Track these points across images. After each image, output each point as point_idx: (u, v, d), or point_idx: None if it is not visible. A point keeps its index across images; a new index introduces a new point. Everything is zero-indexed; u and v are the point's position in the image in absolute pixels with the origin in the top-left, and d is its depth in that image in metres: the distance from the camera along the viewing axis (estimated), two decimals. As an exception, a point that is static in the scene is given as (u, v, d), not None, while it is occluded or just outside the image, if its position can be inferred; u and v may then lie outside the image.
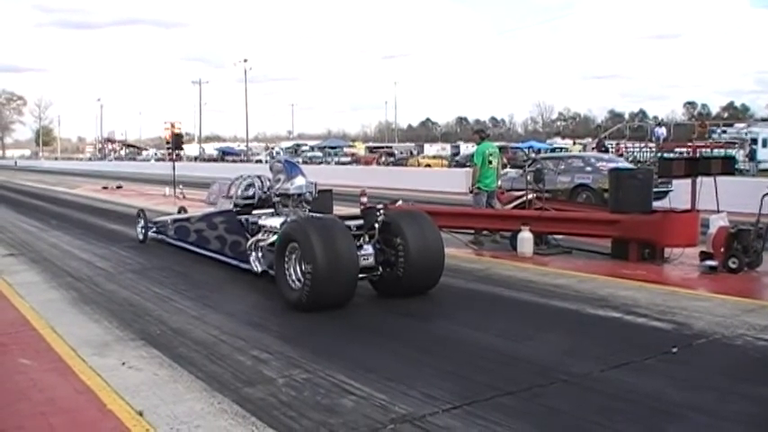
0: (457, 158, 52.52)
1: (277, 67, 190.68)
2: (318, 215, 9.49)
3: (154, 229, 14.28)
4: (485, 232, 13.64)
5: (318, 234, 7.80)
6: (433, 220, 9.08)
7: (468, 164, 26.45)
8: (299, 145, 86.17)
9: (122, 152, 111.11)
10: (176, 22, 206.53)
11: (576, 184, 18.78)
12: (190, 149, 73.40)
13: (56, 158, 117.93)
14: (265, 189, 11.21)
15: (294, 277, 8.13)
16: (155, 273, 10.81)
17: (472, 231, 13.47)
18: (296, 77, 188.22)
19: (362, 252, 8.45)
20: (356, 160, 61.23)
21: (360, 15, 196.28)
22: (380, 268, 8.62)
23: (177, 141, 27.90)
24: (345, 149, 77.02)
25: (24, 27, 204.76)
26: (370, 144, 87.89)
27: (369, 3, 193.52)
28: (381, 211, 8.82)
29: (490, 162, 13.78)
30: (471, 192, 13.98)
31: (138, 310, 8.29)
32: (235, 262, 10.56)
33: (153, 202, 24.45)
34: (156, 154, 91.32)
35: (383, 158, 59.75)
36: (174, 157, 29.78)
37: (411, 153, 68.22)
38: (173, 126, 27.57)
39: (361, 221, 8.89)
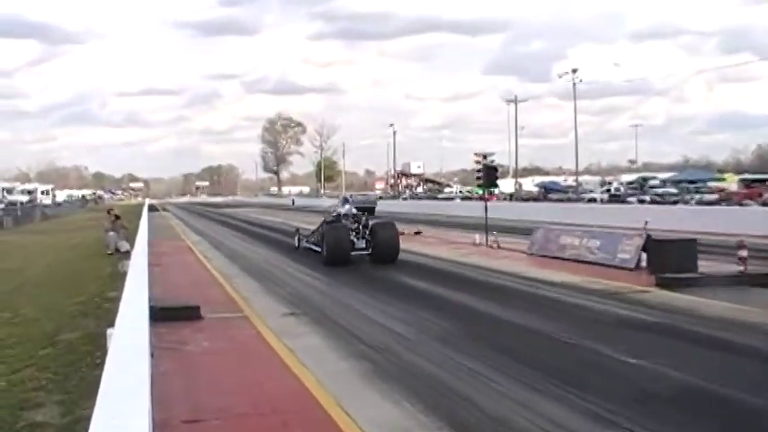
0: None
1: (614, 77, 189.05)
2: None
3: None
4: None
5: None
6: None
7: None
8: (645, 178, 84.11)
9: (419, 189, 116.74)
10: (483, 25, 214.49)
11: None
12: (504, 185, 75.04)
13: (338, 196, 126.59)
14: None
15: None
16: (467, 342, 11.03)
17: None
18: (639, 90, 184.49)
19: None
20: (725, 197, 58.24)
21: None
22: None
23: (490, 176, 28.58)
24: (710, 183, 73.62)
25: (302, 41, 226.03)
26: (746, 176, 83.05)
27: None
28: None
29: None
30: None
31: (445, 390, 8.50)
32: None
33: (461, 252, 25.35)
34: (461, 191, 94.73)
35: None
36: (487, 195, 30.45)
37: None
38: (484, 157, 28.31)
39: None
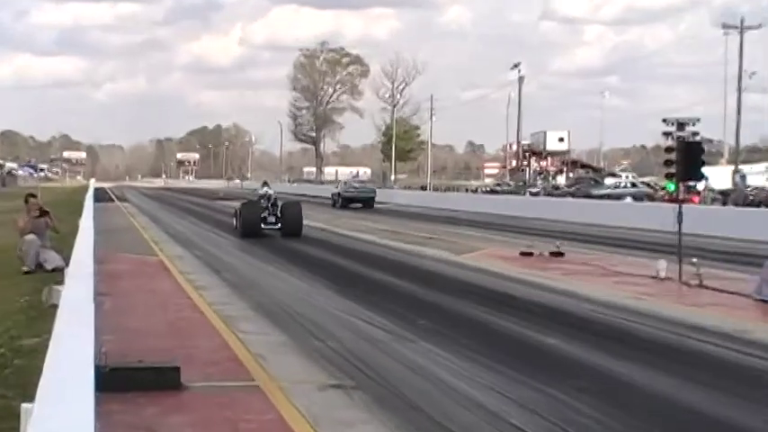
0: None
1: None
2: None
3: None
4: None
5: None
6: None
7: None
8: None
9: (560, 177, 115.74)
10: None
11: None
12: (715, 176, 73.31)
13: (422, 187, 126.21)
14: None
15: None
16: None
17: None
18: None
19: None
20: None
21: None
22: None
23: (691, 160, 27.98)
24: None
25: None
26: None
27: None
28: None
29: None
30: None
31: None
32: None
33: (633, 291, 25.33)
34: (633, 184, 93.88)
35: None
36: (682, 194, 29.93)
37: None
38: (679, 126, 27.80)
39: None
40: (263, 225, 43.99)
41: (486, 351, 16.78)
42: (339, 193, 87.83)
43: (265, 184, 49.42)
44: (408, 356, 16.29)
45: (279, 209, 45.07)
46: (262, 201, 45.76)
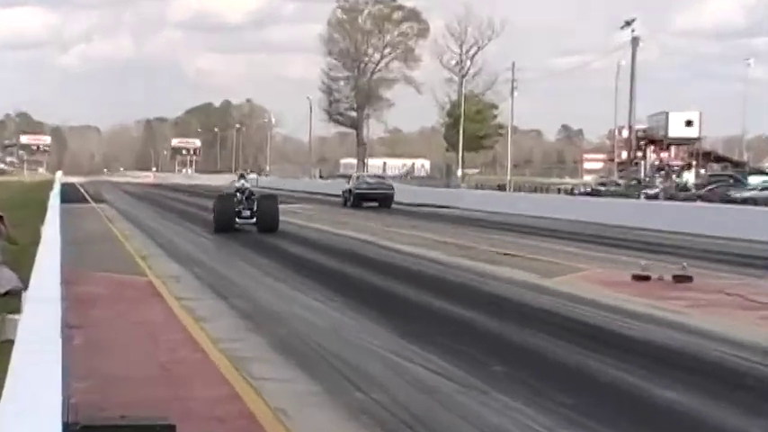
0: None
1: None
2: None
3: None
4: None
5: None
6: None
7: None
8: None
9: (688, 173, 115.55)
10: None
11: None
12: None
13: (499, 186, 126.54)
14: None
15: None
16: None
17: None
18: None
19: None
20: None
21: None
22: None
23: None
24: None
25: None
26: None
27: None
28: None
29: None
30: None
31: None
32: None
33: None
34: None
35: None
36: None
37: None
38: None
39: None
40: (237, 219, 55.62)
41: (582, 407, 16.74)
42: (350, 190, 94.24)
43: (242, 176, 62.56)
44: (478, 413, 16.26)
45: (255, 203, 56.85)
46: (237, 194, 57.46)
